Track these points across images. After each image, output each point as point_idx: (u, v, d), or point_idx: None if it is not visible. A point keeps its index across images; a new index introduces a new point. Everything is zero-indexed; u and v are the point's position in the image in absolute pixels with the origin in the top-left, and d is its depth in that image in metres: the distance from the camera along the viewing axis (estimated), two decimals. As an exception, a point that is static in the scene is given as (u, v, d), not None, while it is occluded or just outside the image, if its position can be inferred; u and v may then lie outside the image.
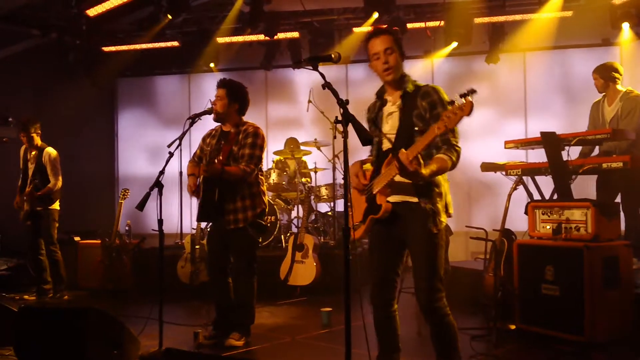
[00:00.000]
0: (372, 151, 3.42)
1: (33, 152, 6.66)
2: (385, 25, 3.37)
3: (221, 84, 4.65)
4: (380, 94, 3.41)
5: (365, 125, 3.44)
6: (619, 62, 6.66)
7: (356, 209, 3.36)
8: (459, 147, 3.13)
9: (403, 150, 2.90)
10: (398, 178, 3.02)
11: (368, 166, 3.42)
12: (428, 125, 3.06)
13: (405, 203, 3.17)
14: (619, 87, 5.76)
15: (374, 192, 3.19)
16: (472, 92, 2.65)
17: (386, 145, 3.26)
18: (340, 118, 2.83)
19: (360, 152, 3.39)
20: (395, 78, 3.24)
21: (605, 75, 5.77)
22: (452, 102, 2.72)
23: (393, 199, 3.17)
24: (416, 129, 3.11)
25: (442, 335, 3.19)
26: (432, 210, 3.12)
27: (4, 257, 7.60)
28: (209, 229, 5.26)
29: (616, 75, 5.75)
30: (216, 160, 4.37)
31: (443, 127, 2.75)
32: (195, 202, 4.75)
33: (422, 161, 2.90)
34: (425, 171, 2.93)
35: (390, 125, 3.28)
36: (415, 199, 3.14)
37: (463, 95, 2.66)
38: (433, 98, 3.15)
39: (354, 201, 3.40)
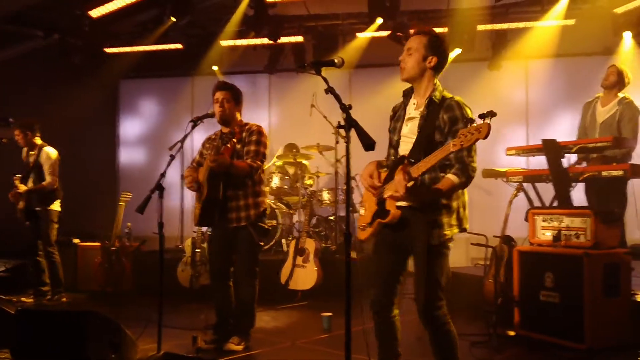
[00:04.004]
0: (388, 153, 3.38)
1: (32, 152, 6.67)
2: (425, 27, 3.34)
3: (224, 87, 4.67)
4: (406, 94, 3.36)
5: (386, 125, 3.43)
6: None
7: (367, 210, 3.34)
8: (474, 166, 3.06)
9: (407, 169, 2.89)
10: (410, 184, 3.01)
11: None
12: (446, 139, 3.03)
13: (412, 208, 3.12)
14: (620, 93, 5.77)
15: (385, 197, 3.15)
16: (492, 114, 2.63)
17: (402, 148, 3.23)
18: (342, 123, 2.83)
19: (364, 158, 3.36)
20: (407, 78, 3.23)
21: (622, 77, 5.75)
22: (472, 121, 2.71)
23: (401, 203, 3.12)
24: (437, 139, 3.07)
25: (442, 344, 3.16)
26: (434, 221, 3.08)
27: (3, 258, 7.58)
28: (209, 233, 5.23)
29: (627, 82, 5.77)
30: (229, 145, 4.35)
31: (459, 145, 2.73)
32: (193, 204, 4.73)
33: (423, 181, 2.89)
34: (426, 194, 2.94)
35: (409, 129, 3.23)
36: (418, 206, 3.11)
37: (482, 117, 2.65)
38: (455, 113, 3.07)
39: (366, 202, 3.38)
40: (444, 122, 3.08)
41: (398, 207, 3.10)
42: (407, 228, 3.15)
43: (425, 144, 3.06)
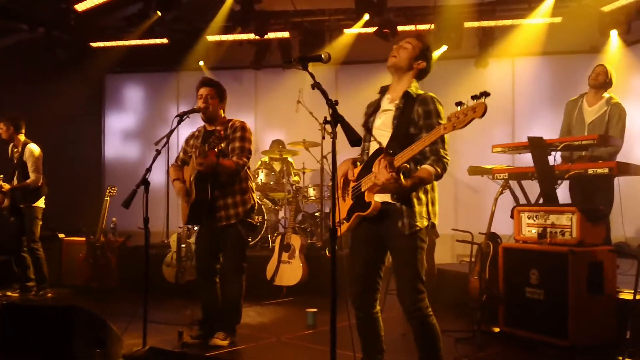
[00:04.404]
0: (363, 147, 3.38)
1: (16, 149, 6.62)
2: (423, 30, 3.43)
3: (209, 83, 4.65)
4: (382, 91, 3.41)
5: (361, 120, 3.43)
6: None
7: (340, 206, 3.35)
8: (448, 159, 3.11)
9: (389, 158, 2.89)
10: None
11: None
12: (420, 133, 3.06)
13: (387, 203, 3.14)
14: (605, 93, 5.80)
15: (363, 190, 3.15)
16: (486, 94, 2.63)
17: (376, 142, 3.24)
18: (329, 119, 2.82)
19: (350, 153, 3.37)
20: (395, 67, 3.28)
21: (611, 78, 5.79)
22: (460, 104, 2.71)
23: (380, 196, 3.14)
24: (411, 132, 3.11)
25: (425, 337, 3.18)
26: (407, 211, 3.10)
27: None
28: (196, 230, 5.20)
29: (613, 83, 5.81)
30: (216, 149, 4.33)
31: (451, 127, 2.74)
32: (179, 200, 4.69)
33: (401, 174, 2.90)
34: (406, 182, 2.94)
35: (382, 122, 3.26)
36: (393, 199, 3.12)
37: (476, 97, 2.65)
38: (430, 107, 3.13)
39: (339, 197, 3.39)
40: (419, 115, 3.13)
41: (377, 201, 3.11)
42: (385, 220, 3.16)
43: (401, 136, 3.09)
